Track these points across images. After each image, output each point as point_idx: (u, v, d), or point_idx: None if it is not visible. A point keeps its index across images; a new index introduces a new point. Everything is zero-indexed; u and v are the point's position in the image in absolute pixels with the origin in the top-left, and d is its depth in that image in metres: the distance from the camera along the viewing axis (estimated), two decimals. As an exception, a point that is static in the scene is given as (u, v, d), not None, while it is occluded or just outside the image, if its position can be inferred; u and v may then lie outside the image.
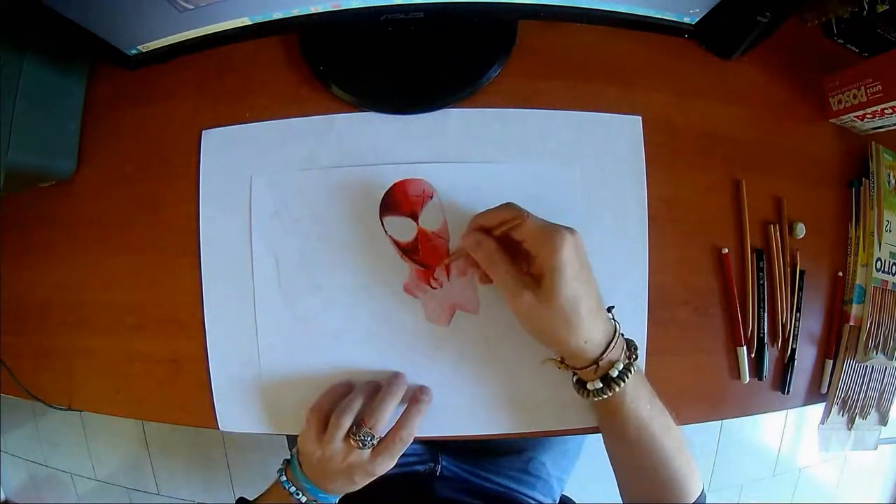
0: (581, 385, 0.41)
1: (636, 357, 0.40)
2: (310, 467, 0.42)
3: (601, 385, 0.38)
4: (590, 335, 0.37)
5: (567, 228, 0.37)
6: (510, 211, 0.38)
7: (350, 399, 0.42)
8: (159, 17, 0.39)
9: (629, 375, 0.38)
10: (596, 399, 0.39)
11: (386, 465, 0.41)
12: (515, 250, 0.39)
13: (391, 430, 0.42)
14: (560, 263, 0.35)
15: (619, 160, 0.47)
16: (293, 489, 0.42)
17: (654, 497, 0.43)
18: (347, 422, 0.40)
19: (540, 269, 0.36)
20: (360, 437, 0.40)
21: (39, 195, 0.49)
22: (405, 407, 0.43)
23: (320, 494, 0.42)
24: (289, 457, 0.45)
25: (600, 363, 0.38)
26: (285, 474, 0.44)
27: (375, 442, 0.41)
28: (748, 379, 0.47)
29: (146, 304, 0.47)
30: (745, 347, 0.47)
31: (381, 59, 0.47)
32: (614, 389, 0.38)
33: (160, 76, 0.48)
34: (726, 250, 0.47)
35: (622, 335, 0.40)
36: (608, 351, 0.38)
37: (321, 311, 0.46)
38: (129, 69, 0.45)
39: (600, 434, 0.45)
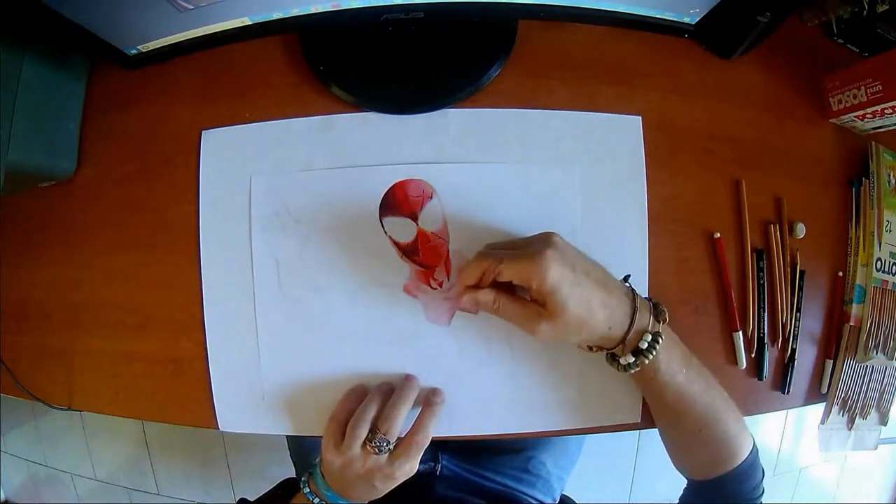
0: (613, 359, 0.41)
1: (665, 320, 0.40)
2: (331, 476, 0.43)
3: (633, 359, 0.39)
4: (610, 320, 0.38)
5: (541, 242, 0.37)
6: (484, 261, 0.38)
7: (364, 407, 0.42)
8: (159, 17, 0.39)
9: (658, 343, 0.38)
10: (629, 371, 0.39)
11: (406, 468, 0.42)
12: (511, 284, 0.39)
13: (407, 434, 0.42)
14: (552, 287, 0.36)
15: (619, 160, 0.47)
16: (316, 500, 0.43)
17: (705, 460, 0.43)
18: (363, 431, 0.41)
19: (539, 295, 0.37)
20: (375, 443, 0.41)
21: (39, 195, 0.49)
22: (419, 410, 0.43)
23: (341, 501, 0.43)
24: (311, 468, 0.45)
25: (626, 340, 0.38)
26: (308, 485, 0.44)
27: (392, 447, 0.41)
28: (745, 365, 0.47)
29: (146, 304, 0.47)
30: (740, 332, 0.47)
31: (381, 59, 0.47)
32: (645, 361, 0.38)
33: (160, 76, 0.48)
34: (718, 235, 0.47)
35: (647, 299, 0.40)
36: (632, 327, 0.38)
37: (321, 312, 0.46)
38: (129, 69, 0.45)
39: (600, 434, 0.45)
